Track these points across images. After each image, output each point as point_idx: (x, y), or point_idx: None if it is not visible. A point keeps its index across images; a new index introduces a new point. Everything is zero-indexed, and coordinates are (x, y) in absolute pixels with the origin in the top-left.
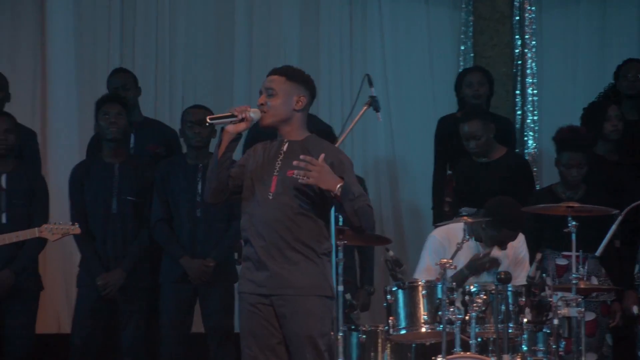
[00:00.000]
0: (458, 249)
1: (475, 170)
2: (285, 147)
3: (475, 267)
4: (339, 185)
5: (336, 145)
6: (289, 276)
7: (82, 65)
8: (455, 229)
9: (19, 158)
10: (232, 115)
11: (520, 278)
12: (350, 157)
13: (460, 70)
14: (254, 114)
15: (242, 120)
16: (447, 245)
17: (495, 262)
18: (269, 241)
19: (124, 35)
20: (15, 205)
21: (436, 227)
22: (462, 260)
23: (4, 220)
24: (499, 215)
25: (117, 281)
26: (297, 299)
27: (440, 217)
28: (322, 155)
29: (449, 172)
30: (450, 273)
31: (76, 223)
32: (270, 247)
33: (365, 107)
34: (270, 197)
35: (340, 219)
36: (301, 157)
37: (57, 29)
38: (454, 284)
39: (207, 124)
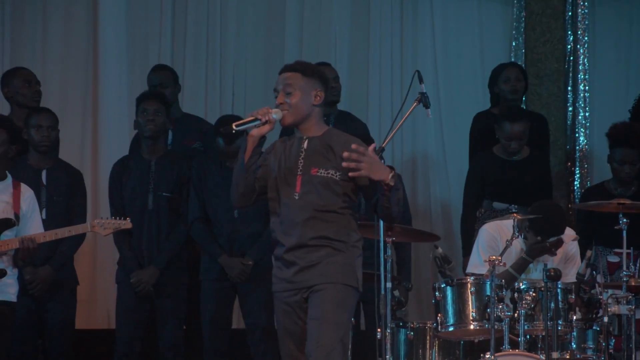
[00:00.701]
0: (507, 246)
1: (503, 166)
2: (305, 145)
3: (536, 250)
4: (391, 175)
5: (385, 142)
6: (318, 268)
7: (133, 63)
8: (504, 225)
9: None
10: (256, 119)
11: (570, 275)
12: (400, 154)
13: None
14: (275, 114)
15: (266, 122)
16: (498, 239)
17: (560, 242)
18: (297, 241)
19: (175, 34)
20: (55, 201)
21: (485, 223)
22: (513, 256)
23: (44, 216)
24: (544, 224)
25: (150, 278)
26: (323, 287)
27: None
28: (373, 145)
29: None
30: (499, 270)
31: (128, 218)
32: (299, 247)
33: (415, 104)
34: (297, 197)
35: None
36: (353, 146)
37: (109, 28)
38: (503, 281)
39: (234, 131)
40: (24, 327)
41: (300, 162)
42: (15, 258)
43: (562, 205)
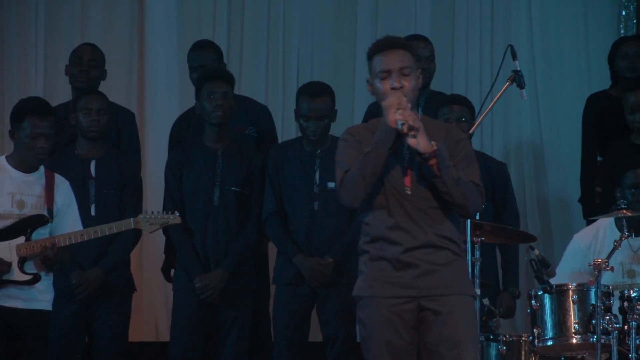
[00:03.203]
0: (615, 248)
1: (634, 152)
2: None
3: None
4: (435, 146)
5: (473, 128)
6: (442, 273)
7: (184, 40)
8: (605, 224)
9: (116, 143)
10: (411, 128)
11: None
12: (489, 142)
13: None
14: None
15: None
16: (592, 246)
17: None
18: (422, 241)
19: (232, 7)
20: (105, 195)
21: (588, 221)
22: (619, 259)
23: (92, 212)
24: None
25: (218, 283)
26: (452, 301)
27: (591, 210)
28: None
29: (600, 158)
30: (607, 275)
31: (176, 212)
32: (423, 247)
33: (507, 83)
34: (409, 192)
35: (477, 214)
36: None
37: (157, 2)
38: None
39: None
40: (67, 337)
41: (406, 154)
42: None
43: None
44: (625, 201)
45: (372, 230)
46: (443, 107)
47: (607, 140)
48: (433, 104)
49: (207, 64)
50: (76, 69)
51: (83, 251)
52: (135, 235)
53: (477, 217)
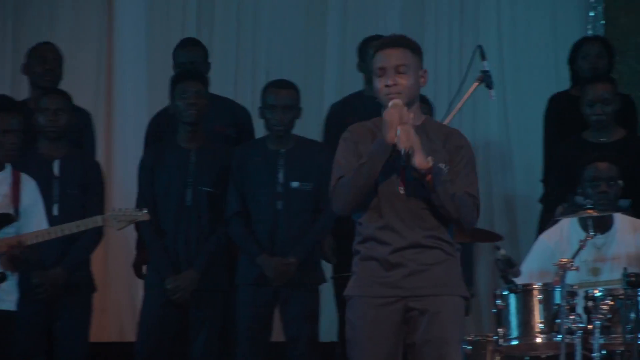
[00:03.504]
0: (581, 247)
1: (588, 151)
2: None
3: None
4: (431, 162)
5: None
6: (431, 273)
7: (153, 38)
8: (569, 223)
9: (78, 143)
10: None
11: None
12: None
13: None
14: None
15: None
16: (559, 246)
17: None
18: (410, 240)
19: (201, 7)
20: (68, 195)
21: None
22: (583, 257)
23: (55, 212)
24: None
25: (189, 284)
26: (441, 301)
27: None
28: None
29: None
30: (572, 273)
31: (144, 209)
32: (411, 247)
33: (476, 83)
34: (402, 192)
35: None
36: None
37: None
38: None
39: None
40: (29, 339)
41: (402, 155)
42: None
43: None
44: (587, 198)
45: (363, 230)
46: None
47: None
48: None
49: (195, 62)
50: (40, 68)
51: (45, 250)
52: (98, 234)
53: None
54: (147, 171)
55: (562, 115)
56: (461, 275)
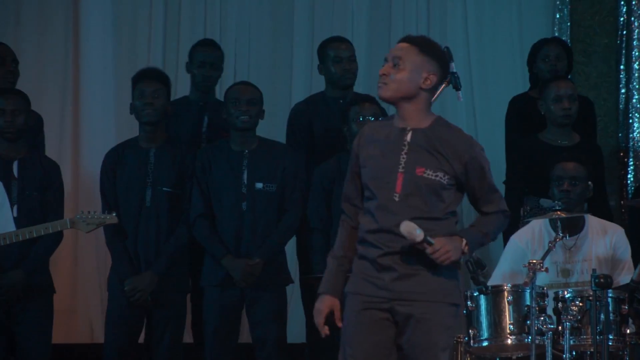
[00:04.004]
0: (550, 249)
1: (547, 154)
2: (409, 137)
3: None
4: (465, 246)
5: None
6: (420, 279)
7: (120, 39)
8: (540, 224)
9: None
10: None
11: (621, 280)
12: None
13: None
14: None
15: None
16: (530, 246)
17: None
18: (399, 246)
19: (168, 7)
20: (28, 196)
21: (523, 223)
22: (554, 258)
23: (14, 213)
24: None
25: (147, 286)
26: (428, 307)
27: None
28: (439, 241)
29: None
30: (542, 274)
31: (113, 212)
32: (399, 252)
33: (444, 85)
34: (397, 199)
35: None
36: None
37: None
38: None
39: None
40: None
41: (403, 158)
42: None
43: (613, 203)
44: (554, 199)
45: (360, 232)
46: (354, 106)
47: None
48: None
49: (215, 64)
50: (1, 70)
51: (3, 252)
52: (58, 236)
53: None
54: (109, 172)
55: (522, 117)
56: (457, 282)
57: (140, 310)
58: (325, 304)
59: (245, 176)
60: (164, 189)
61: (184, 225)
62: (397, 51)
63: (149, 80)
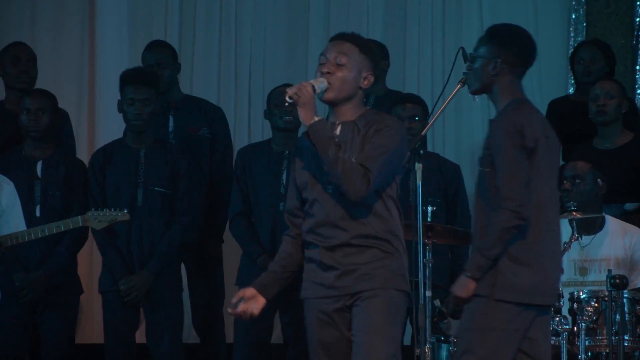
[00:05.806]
0: (565, 249)
1: (595, 158)
2: (338, 131)
3: None
4: (317, 119)
5: (425, 130)
6: (363, 272)
7: (135, 40)
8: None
9: (58, 143)
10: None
11: (638, 282)
12: (441, 145)
13: (571, 42)
14: (322, 84)
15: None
16: None
17: None
18: (338, 241)
19: (183, 7)
20: (50, 196)
21: None
22: (572, 256)
23: (37, 213)
24: None
25: (142, 285)
26: (371, 294)
27: None
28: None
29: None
30: None
31: (125, 209)
32: (339, 248)
33: (459, 85)
34: (330, 191)
35: (429, 215)
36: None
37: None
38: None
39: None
40: (13, 339)
41: None
42: None
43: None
44: (567, 199)
45: (303, 235)
46: (396, 106)
47: (568, 145)
48: (386, 102)
49: (162, 63)
50: (15, 70)
51: (27, 252)
52: (81, 237)
53: (429, 219)
54: (97, 172)
55: (562, 120)
56: (404, 271)
57: (135, 310)
58: (244, 290)
59: (284, 177)
60: (156, 188)
61: (178, 225)
62: (341, 49)
63: (139, 87)
